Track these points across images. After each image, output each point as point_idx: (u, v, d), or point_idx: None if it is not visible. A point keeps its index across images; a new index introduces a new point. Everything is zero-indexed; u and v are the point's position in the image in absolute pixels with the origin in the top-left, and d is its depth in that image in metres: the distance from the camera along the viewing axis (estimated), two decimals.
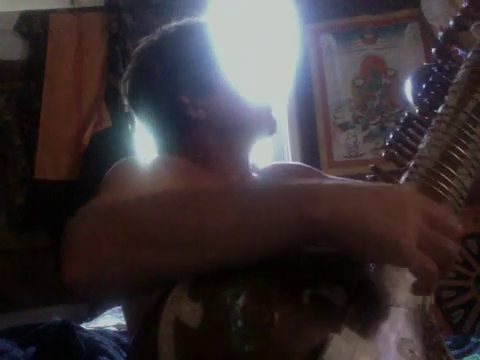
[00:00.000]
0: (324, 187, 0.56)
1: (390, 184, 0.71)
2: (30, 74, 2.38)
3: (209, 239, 0.54)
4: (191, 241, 0.54)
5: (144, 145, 2.22)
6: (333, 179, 1.07)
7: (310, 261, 0.58)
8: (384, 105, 2.40)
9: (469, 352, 1.28)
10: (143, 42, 1.02)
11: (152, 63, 0.98)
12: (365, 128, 2.41)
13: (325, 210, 0.52)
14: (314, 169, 1.17)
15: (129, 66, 1.03)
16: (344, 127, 2.41)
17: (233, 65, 0.98)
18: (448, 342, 1.38)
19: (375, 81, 2.43)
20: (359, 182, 0.60)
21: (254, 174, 1.01)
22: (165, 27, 1.01)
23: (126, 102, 1.05)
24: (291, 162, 1.41)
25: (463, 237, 2.18)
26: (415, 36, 2.41)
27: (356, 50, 2.44)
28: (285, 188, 0.57)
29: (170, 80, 0.95)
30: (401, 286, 0.60)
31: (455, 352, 1.28)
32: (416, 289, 0.55)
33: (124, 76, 1.04)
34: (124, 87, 1.03)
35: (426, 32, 2.36)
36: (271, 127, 1.00)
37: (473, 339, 1.40)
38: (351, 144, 2.40)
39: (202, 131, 0.96)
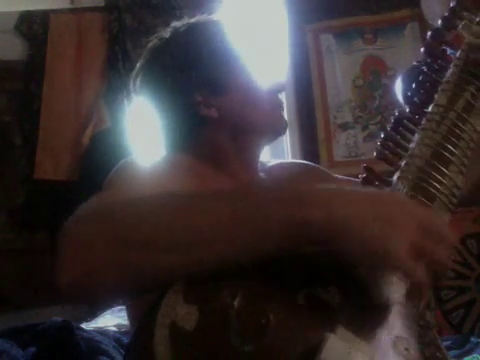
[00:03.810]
0: (317, 191, 0.57)
1: (384, 190, 0.72)
2: (30, 74, 2.38)
3: (200, 241, 0.54)
4: (183, 243, 0.54)
5: (144, 145, 2.22)
6: (338, 178, 1.07)
7: (305, 262, 0.58)
8: (384, 105, 2.40)
9: (469, 352, 1.28)
10: (154, 39, 1.01)
11: (165, 60, 0.97)
12: (365, 128, 2.41)
13: (317, 214, 0.53)
14: (321, 168, 1.16)
15: (140, 62, 1.02)
16: (344, 127, 2.41)
17: (245, 64, 0.98)
18: (448, 342, 1.38)
19: (375, 81, 2.43)
20: (355, 187, 0.60)
21: (262, 174, 1.01)
22: (176, 25, 1.00)
23: (135, 97, 1.03)
24: (298, 161, 1.40)
25: (463, 237, 2.18)
26: (415, 36, 2.41)
27: (356, 50, 2.44)
28: (279, 191, 0.58)
29: (184, 78, 0.94)
30: (395, 285, 0.61)
31: (455, 352, 1.28)
32: (408, 294, 0.57)
33: (134, 72, 1.02)
34: (134, 82, 1.02)
35: (426, 32, 2.35)
36: (282, 128, 0.99)
37: (473, 339, 1.40)
38: (351, 144, 2.40)
39: (213, 130, 0.95)
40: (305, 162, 1.19)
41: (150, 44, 1.01)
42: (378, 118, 2.40)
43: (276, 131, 0.99)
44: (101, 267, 0.55)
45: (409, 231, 0.54)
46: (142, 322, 0.55)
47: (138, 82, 1.01)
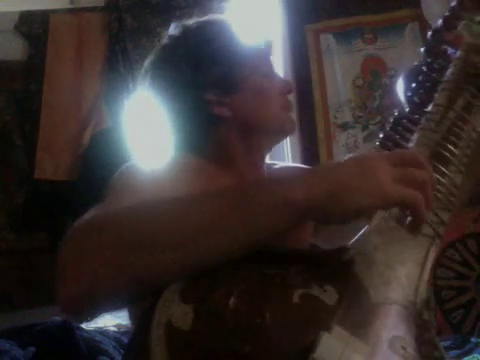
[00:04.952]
0: (297, 174, 0.63)
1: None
2: (30, 74, 2.38)
3: (194, 236, 0.56)
4: (178, 241, 0.55)
5: (144, 145, 2.22)
6: None
7: (301, 261, 0.58)
8: (384, 105, 2.40)
9: (469, 352, 1.28)
10: (165, 37, 1.00)
11: (177, 58, 0.96)
12: (365, 128, 2.40)
13: (301, 192, 0.57)
14: None
15: (150, 59, 1.01)
16: (344, 127, 2.41)
17: (256, 63, 0.97)
18: (448, 342, 1.38)
19: (375, 81, 2.42)
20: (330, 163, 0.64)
21: (267, 175, 1.00)
22: (186, 23, 0.99)
23: (143, 95, 1.02)
24: (302, 166, 1.41)
25: (463, 237, 2.18)
26: (415, 36, 2.41)
27: (356, 50, 2.44)
28: (264, 181, 0.63)
29: (196, 76, 0.94)
30: (392, 283, 0.61)
31: (455, 352, 1.28)
32: (411, 223, 0.63)
33: (143, 70, 1.01)
34: (142, 81, 1.01)
35: (426, 32, 2.35)
36: (290, 128, 1.00)
37: (473, 339, 1.40)
38: (351, 144, 2.40)
39: (224, 130, 0.95)
40: (309, 167, 1.19)
41: (161, 42, 1.01)
42: (378, 118, 2.40)
43: (284, 131, 1.00)
44: (107, 276, 0.55)
45: (385, 169, 0.60)
46: (140, 322, 0.55)
47: (147, 80, 1.00)
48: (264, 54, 1.01)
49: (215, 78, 0.94)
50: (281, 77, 1.02)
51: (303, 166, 1.32)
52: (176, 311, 0.51)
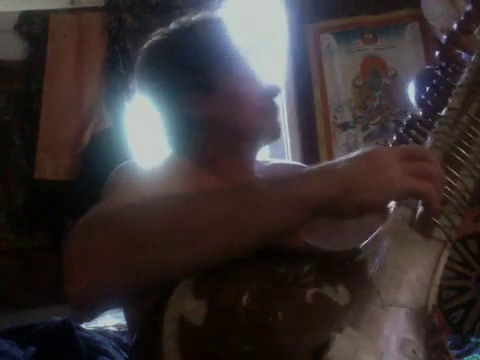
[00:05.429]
0: (305, 171, 0.63)
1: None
2: (30, 74, 2.38)
3: (203, 233, 0.56)
4: (186, 238, 0.56)
5: (144, 145, 2.22)
6: None
7: (313, 260, 0.58)
8: (384, 105, 2.40)
9: (469, 352, 1.28)
10: (154, 36, 1.00)
11: (160, 58, 0.96)
12: (365, 128, 2.41)
13: (313, 189, 0.57)
14: None
15: (138, 60, 1.01)
16: (344, 127, 2.41)
17: (240, 65, 0.96)
18: (448, 342, 1.38)
19: (375, 81, 2.43)
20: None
21: (259, 175, 1.00)
22: (177, 22, 0.98)
23: (136, 96, 1.03)
24: (295, 163, 1.40)
25: (463, 237, 2.18)
26: (415, 36, 2.41)
27: (356, 50, 2.44)
28: (272, 180, 0.63)
29: (178, 77, 0.93)
30: (403, 286, 0.61)
31: (455, 352, 1.28)
32: (424, 219, 0.63)
33: (134, 71, 1.02)
34: (134, 81, 1.01)
35: (426, 32, 2.36)
36: (274, 133, 0.98)
37: (473, 339, 1.40)
38: (351, 144, 2.40)
39: (203, 131, 0.94)
40: (302, 165, 1.18)
41: (148, 42, 1.01)
42: (378, 118, 2.40)
43: (268, 135, 0.97)
44: (109, 274, 0.55)
45: (395, 163, 0.60)
46: (150, 316, 0.55)
47: (136, 81, 1.00)
48: (247, 56, 0.98)
49: (196, 79, 0.93)
50: (267, 80, 0.99)
51: (297, 163, 1.32)
52: (189, 306, 0.51)
